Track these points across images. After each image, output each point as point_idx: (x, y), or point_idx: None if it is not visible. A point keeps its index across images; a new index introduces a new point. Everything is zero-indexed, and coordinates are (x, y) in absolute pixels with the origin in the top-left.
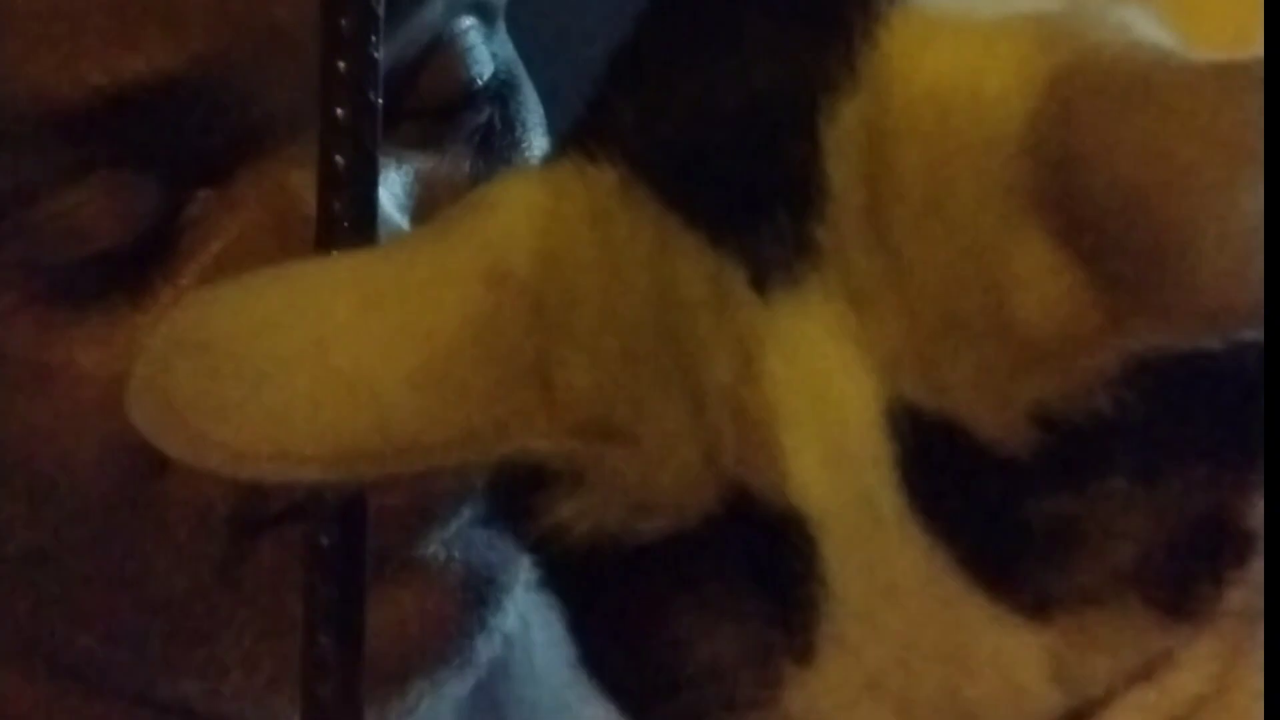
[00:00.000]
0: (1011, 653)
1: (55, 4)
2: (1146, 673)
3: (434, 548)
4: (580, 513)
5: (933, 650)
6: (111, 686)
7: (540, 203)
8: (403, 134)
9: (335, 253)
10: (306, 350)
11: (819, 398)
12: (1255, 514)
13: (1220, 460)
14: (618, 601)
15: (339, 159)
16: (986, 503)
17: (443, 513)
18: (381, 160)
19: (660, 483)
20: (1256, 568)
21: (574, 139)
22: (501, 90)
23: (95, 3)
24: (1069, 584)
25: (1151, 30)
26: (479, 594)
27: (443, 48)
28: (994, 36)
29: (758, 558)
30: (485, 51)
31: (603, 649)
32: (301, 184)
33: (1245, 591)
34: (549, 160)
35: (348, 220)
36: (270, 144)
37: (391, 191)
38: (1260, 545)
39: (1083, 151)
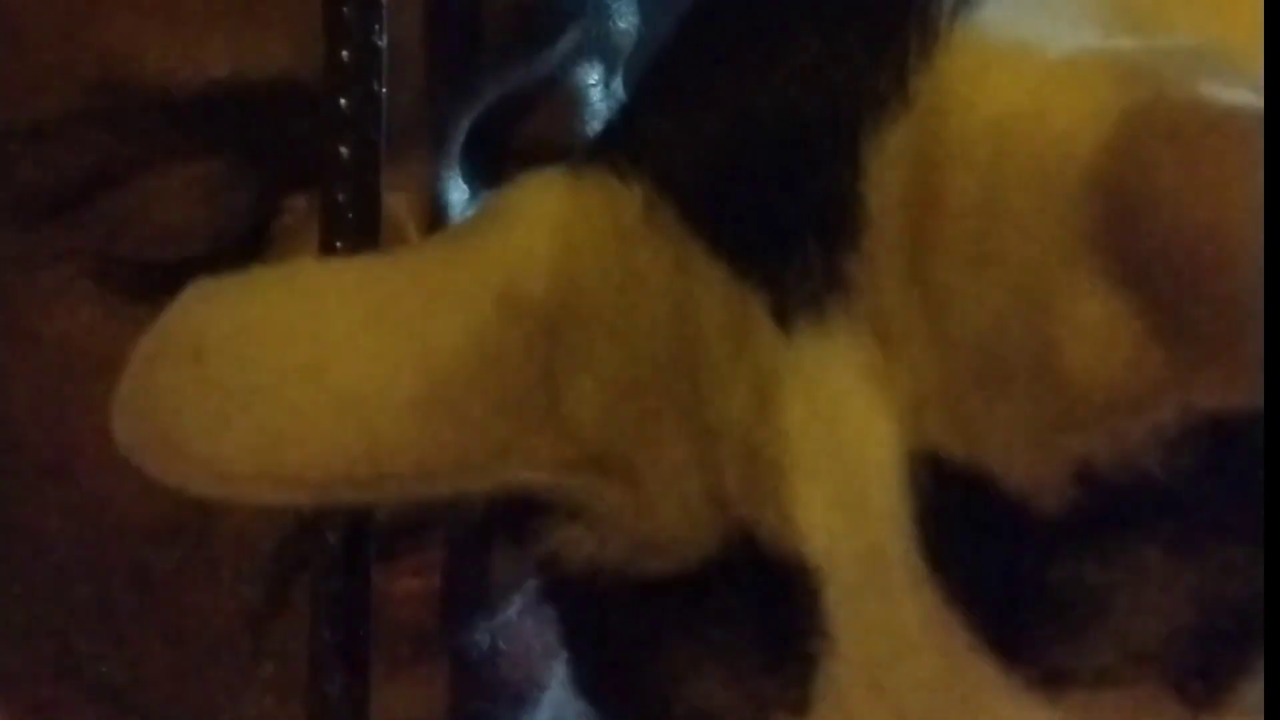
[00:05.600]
0: None
1: None
2: None
3: (479, 635)
4: (577, 545)
5: (933, 717)
6: (135, 711)
7: (562, 219)
8: (508, 175)
9: (343, 255)
10: (303, 366)
11: (836, 441)
12: None
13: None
14: (614, 631)
15: (343, 150)
16: (1008, 564)
17: (493, 601)
18: (484, 194)
19: (659, 522)
20: None
21: (603, 151)
22: None
23: None
24: (1087, 660)
25: (1227, 70)
26: (517, 689)
27: (562, 95)
28: (1064, 68)
29: (757, 605)
30: (603, 110)
31: (596, 675)
32: (398, 207)
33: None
34: (576, 167)
35: (352, 212)
36: None
37: None
38: None
39: (1152, 195)
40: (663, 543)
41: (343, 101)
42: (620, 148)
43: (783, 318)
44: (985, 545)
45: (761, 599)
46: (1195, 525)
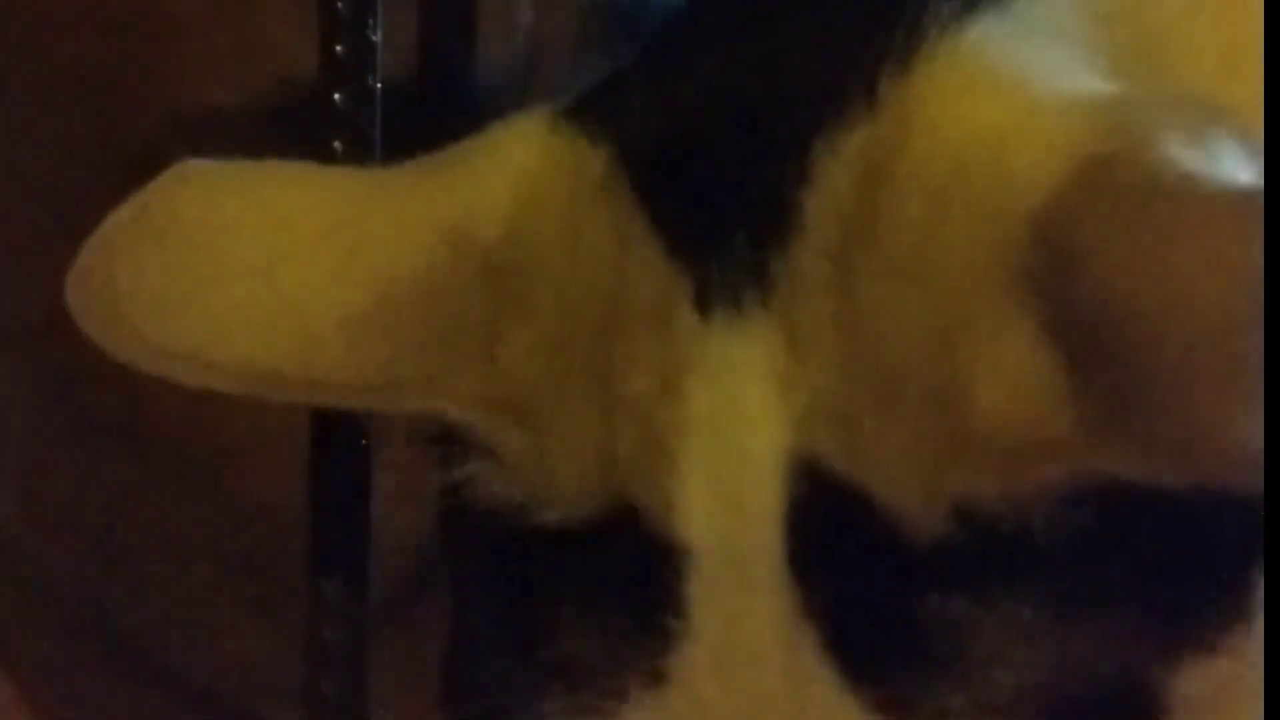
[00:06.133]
0: None
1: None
2: None
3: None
4: (484, 481)
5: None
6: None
7: (528, 170)
8: None
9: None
10: (257, 264)
11: (726, 433)
12: (1178, 687)
13: (1153, 621)
14: (503, 569)
15: (337, 145)
16: (869, 585)
17: None
18: None
19: (554, 476)
20: None
21: (585, 109)
22: None
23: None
24: (931, 698)
25: (1220, 132)
26: None
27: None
28: (1040, 106)
29: (629, 573)
30: None
31: (481, 610)
32: None
33: None
34: (557, 121)
35: None
36: None
37: None
38: (1177, 710)
39: (1091, 252)
40: (555, 496)
41: (337, 97)
42: (599, 109)
43: (703, 305)
44: (850, 562)
45: (633, 569)
46: (1071, 591)
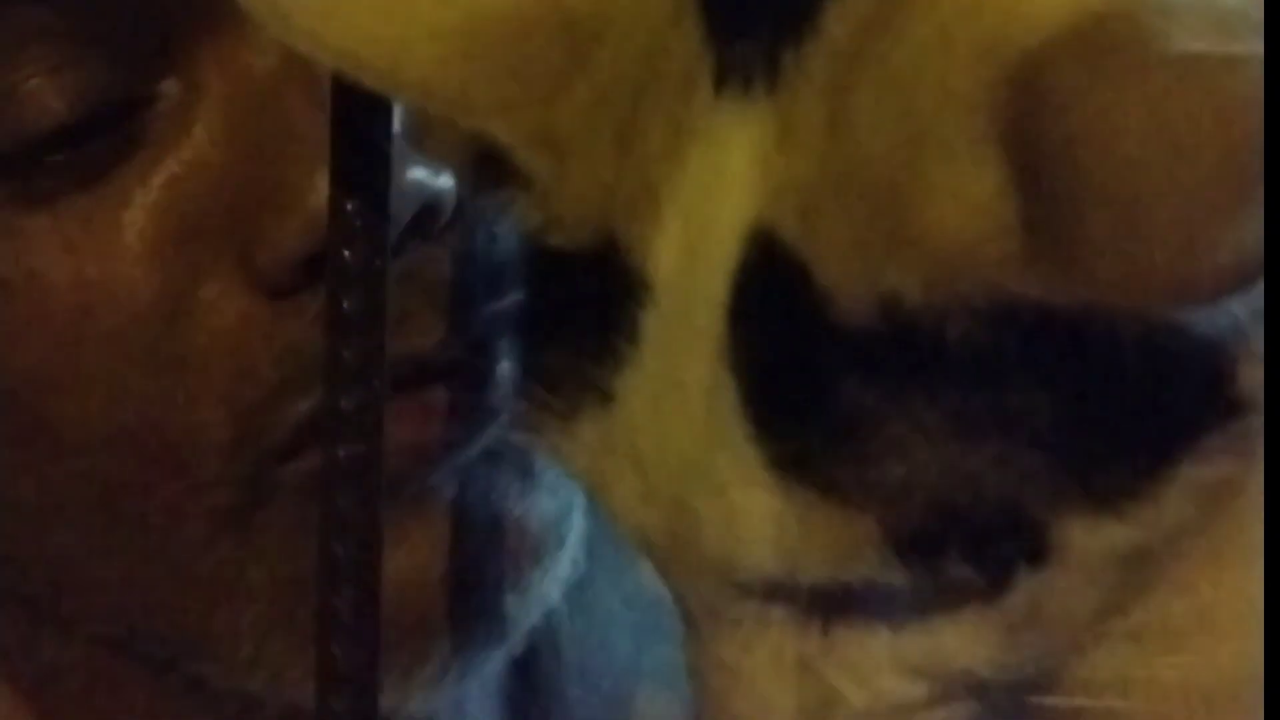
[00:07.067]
0: (742, 502)
1: None
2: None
3: (446, 484)
4: (514, 204)
5: (683, 453)
6: (139, 655)
7: None
8: None
9: None
10: None
11: (706, 194)
12: (1068, 537)
13: (1053, 462)
14: (531, 279)
15: None
16: (793, 354)
17: (451, 444)
18: None
19: (567, 208)
20: (1051, 583)
21: None
22: None
23: None
24: (823, 466)
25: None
26: (507, 543)
27: None
28: None
29: (602, 298)
30: None
31: (522, 319)
32: (267, 70)
33: (1030, 596)
34: None
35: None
36: (230, 25)
37: None
38: (1067, 561)
39: (1068, 98)
40: (563, 224)
41: None
42: None
43: (719, 83)
44: (780, 328)
45: (607, 294)
46: (976, 408)
